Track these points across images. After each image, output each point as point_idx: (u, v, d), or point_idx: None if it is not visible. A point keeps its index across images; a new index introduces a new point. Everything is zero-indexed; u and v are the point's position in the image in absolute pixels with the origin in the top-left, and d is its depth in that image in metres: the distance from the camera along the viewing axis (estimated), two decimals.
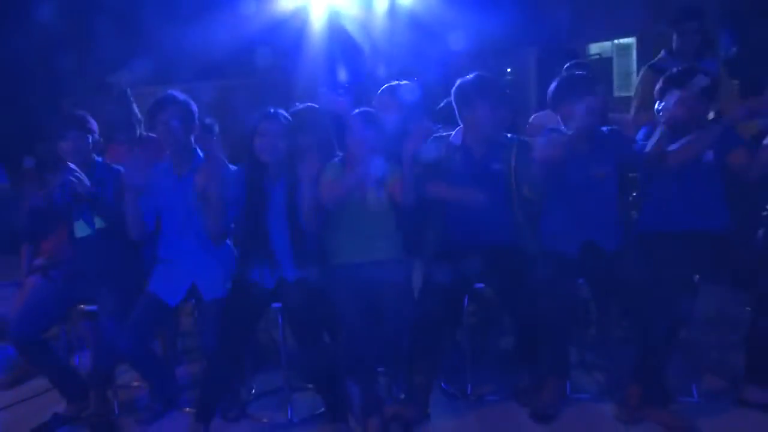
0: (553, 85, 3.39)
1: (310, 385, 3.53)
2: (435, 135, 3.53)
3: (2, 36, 7.62)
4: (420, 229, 3.47)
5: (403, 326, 3.18)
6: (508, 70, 12.20)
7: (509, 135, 3.49)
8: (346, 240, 3.37)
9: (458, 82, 3.42)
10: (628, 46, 12.88)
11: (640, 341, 3.10)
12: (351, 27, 7.33)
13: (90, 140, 3.48)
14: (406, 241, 3.43)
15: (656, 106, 3.28)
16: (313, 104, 3.74)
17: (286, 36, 7.19)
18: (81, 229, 3.42)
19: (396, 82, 3.92)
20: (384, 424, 3.08)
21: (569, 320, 3.28)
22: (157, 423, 3.42)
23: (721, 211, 3.31)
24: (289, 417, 3.36)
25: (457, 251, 3.32)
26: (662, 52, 3.96)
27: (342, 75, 7.20)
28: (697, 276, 3.20)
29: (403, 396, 3.33)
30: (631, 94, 4.56)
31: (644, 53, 13.13)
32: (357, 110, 3.41)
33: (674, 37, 3.88)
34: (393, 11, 7.36)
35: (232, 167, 3.39)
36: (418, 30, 7.79)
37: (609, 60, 12.54)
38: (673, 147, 3.13)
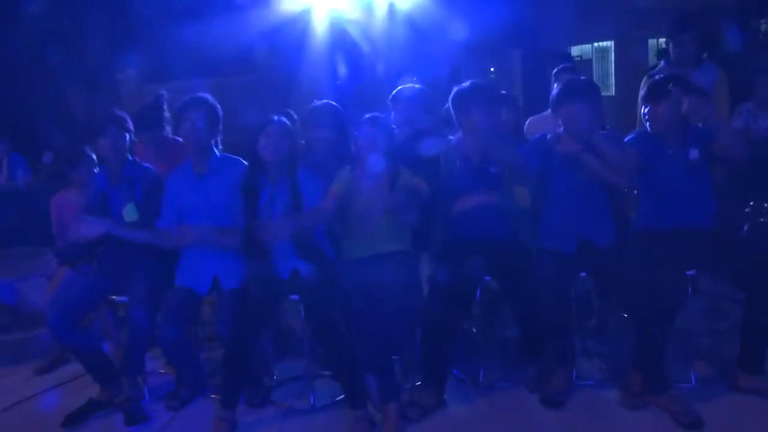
0: (555, 89, 3.48)
1: (330, 373, 3.62)
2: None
3: (7, 35, 7.59)
4: (426, 225, 3.55)
5: (414, 317, 3.27)
6: (492, 69, 12.34)
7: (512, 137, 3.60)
8: (355, 234, 3.45)
9: (455, 89, 3.51)
10: (606, 49, 13.15)
11: (638, 332, 3.21)
12: (352, 29, 7.39)
13: (127, 139, 3.54)
14: (414, 236, 3.52)
15: (642, 109, 3.40)
16: (330, 101, 3.83)
17: (288, 37, 7.23)
18: (130, 214, 3.48)
19: (410, 84, 4.02)
20: (402, 410, 3.17)
21: (569, 313, 3.38)
22: (186, 409, 3.49)
23: (710, 207, 3.41)
24: (312, 403, 3.44)
25: (461, 247, 3.42)
26: (661, 62, 4.06)
27: (342, 74, 7.28)
28: (694, 271, 3.32)
29: (418, 383, 3.42)
30: (611, 94, 4.71)
31: (621, 56, 13.42)
32: (367, 115, 3.50)
33: (671, 46, 3.97)
34: (392, 15, 7.43)
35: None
36: (414, 32, 7.87)
37: (589, 62, 12.76)
38: None
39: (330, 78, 7.45)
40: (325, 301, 3.24)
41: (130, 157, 3.63)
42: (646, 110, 3.36)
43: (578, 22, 11.60)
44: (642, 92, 3.41)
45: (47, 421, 3.41)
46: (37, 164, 6.40)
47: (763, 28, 12.93)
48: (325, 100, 3.83)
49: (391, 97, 4.09)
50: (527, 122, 4.71)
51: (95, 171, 3.89)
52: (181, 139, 4.15)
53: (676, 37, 3.90)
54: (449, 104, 3.55)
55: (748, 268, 3.23)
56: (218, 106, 3.49)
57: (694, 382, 3.37)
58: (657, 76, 3.42)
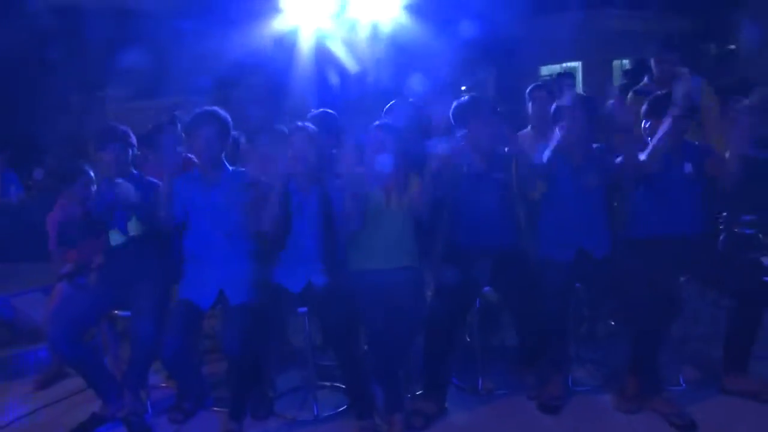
0: (553, 106, 3.53)
1: (330, 384, 3.62)
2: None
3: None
4: (429, 236, 3.56)
5: (418, 328, 3.27)
6: (463, 88, 12.50)
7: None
8: (365, 247, 3.44)
9: (455, 103, 3.56)
10: (574, 69, 13.38)
11: (635, 337, 3.25)
12: (337, 47, 7.43)
13: (130, 153, 3.49)
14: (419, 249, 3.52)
15: (643, 124, 3.46)
16: (327, 110, 3.83)
17: (276, 55, 7.24)
18: (115, 238, 3.44)
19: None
20: (407, 419, 3.16)
21: (567, 321, 3.42)
22: (189, 422, 3.43)
23: (700, 217, 3.49)
24: (316, 414, 3.40)
25: (465, 256, 3.43)
26: (645, 78, 4.12)
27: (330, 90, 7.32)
28: (683, 277, 3.39)
29: (419, 392, 3.41)
30: None
31: (588, 76, 13.68)
32: (377, 122, 3.51)
33: (654, 64, 4.03)
34: (375, 34, 7.49)
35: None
36: (395, 50, 7.95)
37: (546, 81, 12.97)
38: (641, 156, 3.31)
39: (316, 94, 7.47)
40: (339, 312, 3.22)
41: (135, 172, 3.57)
42: (648, 125, 3.42)
43: (548, 43, 11.81)
44: (644, 108, 3.47)
45: None
46: (28, 180, 6.30)
47: (712, 51, 13.37)
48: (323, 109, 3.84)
49: (384, 110, 4.09)
50: None
51: (93, 187, 3.81)
52: (191, 156, 4.13)
53: (661, 56, 3.96)
54: (450, 116, 3.57)
55: (730, 275, 3.30)
56: (228, 118, 3.45)
57: (683, 385, 3.43)
58: (657, 92, 3.49)
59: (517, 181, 3.49)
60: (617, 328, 3.88)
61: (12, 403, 3.73)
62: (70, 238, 3.67)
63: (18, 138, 6.78)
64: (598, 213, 3.49)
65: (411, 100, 4.14)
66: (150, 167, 3.82)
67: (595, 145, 3.53)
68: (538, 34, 11.27)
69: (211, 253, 3.42)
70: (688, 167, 3.44)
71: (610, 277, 3.35)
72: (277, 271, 3.37)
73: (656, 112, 3.39)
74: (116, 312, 3.51)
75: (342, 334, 3.22)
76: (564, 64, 13.25)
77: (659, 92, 3.59)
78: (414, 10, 7.90)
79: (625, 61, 12.63)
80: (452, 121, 3.56)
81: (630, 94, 4.08)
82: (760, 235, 3.89)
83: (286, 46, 7.11)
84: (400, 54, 7.84)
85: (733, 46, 13.04)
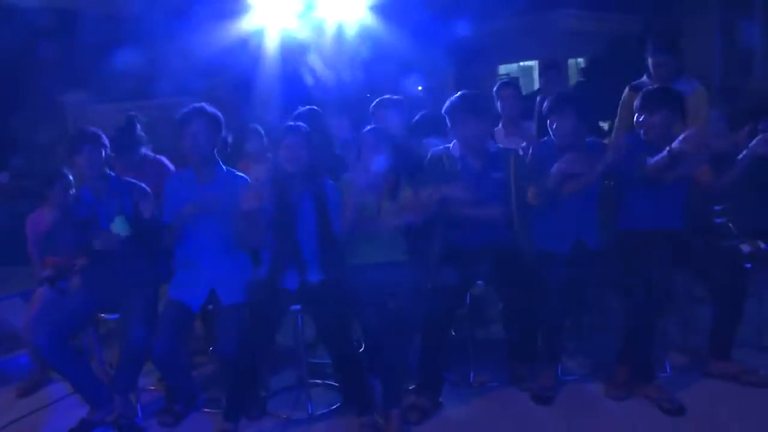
0: (546, 104, 3.53)
1: (322, 381, 3.57)
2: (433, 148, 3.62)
3: None
4: (425, 235, 3.53)
5: (414, 324, 3.24)
6: (419, 87, 12.54)
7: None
8: (359, 243, 3.39)
9: (447, 101, 3.53)
10: (530, 68, 13.52)
11: (627, 326, 3.28)
12: (302, 47, 7.35)
13: (103, 154, 3.36)
14: (411, 247, 3.49)
15: (636, 118, 3.49)
16: (312, 106, 3.77)
17: (241, 56, 7.10)
18: (119, 226, 3.25)
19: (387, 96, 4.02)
20: (404, 414, 3.13)
21: (564, 312, 3.43)
22: (180, 424, 3.33)
23: (684, 210, 3.53)
24: (310, 412, 3.34)
25: (462, 253, 3.41)
26: (644, 76, 4.10)
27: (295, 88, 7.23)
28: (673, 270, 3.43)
29: (413, 387, 3.37)
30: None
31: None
32: (369, 126, 3.48)
33: (651, 64, 4.01)
34: (340, 34, 7.43)
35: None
36: (361, 50, 7.92)
37: (516, 79, 13.09)
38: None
39: (282, 93, 7.38)
40: (335, 308, 3.17)
41: (111, 173, 3.45)
42: (641, 119, 3.44)
43: (505, 42, 11.91)
44: (636, 102, 3.49)
45: None
46: None
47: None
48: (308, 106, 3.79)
49: (372, 107, 4.06)
50: None
51: (72, 190, 3.68)
52: (161, 158, 4.02)
53: (658, 58, 3.96)
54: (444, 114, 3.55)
55: (713, 264, 3.37)
56: (219, 113, 3.35)
57: (669, 371, 3.48)
58: (648, 88, 3.52)
59: (515, 180, 3.47)
60: (601, 319, 3.93)
61: None
62: (57, 245, 3.52)
63: None
64: (593, 204, 3.50)
65: (398, 97, 4.10)
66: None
67: (588, 139, 3.55)
68: (496, 33, 11.36)
69: (202, 252, 3.33)
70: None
71: (605, 268, 3.37)
72: (280, 271, 3.29)
73: (648, 106, 3.42)
74: (102, 315, 3.39)
75: (337, 330, 3.17)
76: (521, 63, 13.39)
77: (651, 86, 3.63)
78: (379, 10, 7.88)
79: (580, 60, 12.83)
80: (447, 120, 3.55)
81: (626, 90, 4.10)
82: (730, 224, 3.99)
83: (251, 45, 6.99)
84: (364, 53, 7.82)
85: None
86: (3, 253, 4.23)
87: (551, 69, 5.48)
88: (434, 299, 3.31)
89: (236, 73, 7.64)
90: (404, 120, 4.01)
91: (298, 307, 3.27)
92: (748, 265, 3.48)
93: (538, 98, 4.98)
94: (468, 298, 3.44)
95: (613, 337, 3.45)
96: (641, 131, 3.43)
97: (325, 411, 3.37)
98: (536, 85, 13.69)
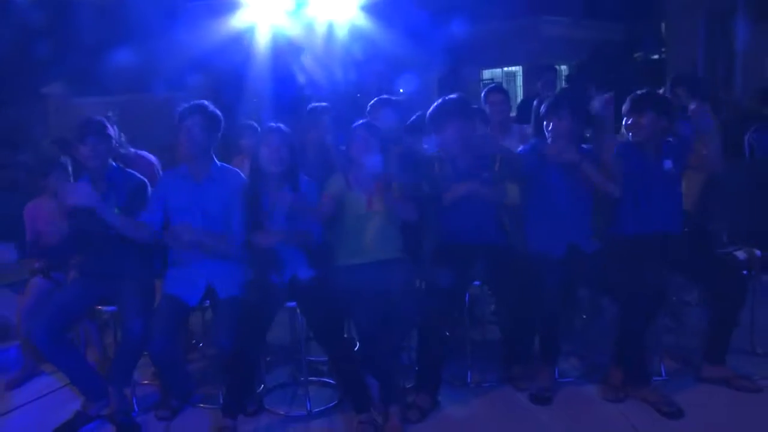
0: (543, 107, 3.52)
1: (318, 379, 3.53)
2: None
3: None
4: (417, 233, 3.51)
5: (410, 322, 3.21)
6: (401, 90, 12.58)
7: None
8: (351, 241, 3.37)
9: (432, 105, 3.51)
10: (514, 73, 13.63)
11: (621, 329, 3.27)
12: (293, 45, 7.31)
13: (107, 145, 3.28)
14: (404, 245, 3.47)
15: (624, 121, 3.50)
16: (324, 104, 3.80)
17: (232, 52, 7.04)
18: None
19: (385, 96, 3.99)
20: (403, 413, 3.10)
21: (559, 314, 3.43)
22: (177, 419, 3.27)
23: (680, 213, 3.55)
24: (309, 409, 3.30)
25: (456, 254, 3.39)
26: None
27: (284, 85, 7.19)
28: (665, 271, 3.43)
29: (410, 385, 3.34)
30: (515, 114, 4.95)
31: (528, 80, 13.95)
32: (360, 121, 3.43)
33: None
34: (330, 33, 7.41)
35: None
36: (350, 49, 7.91)
37: (500, 84, 13.18)
38: None
39: (271, 90, 7.33)
40: (326, 305, 3.13)
41: (114, 164, 3.38)
42: (629, 121, 3.45)
43: (490, 47, 11.98)
44: (624, 106, 3.50)
45: None
46: None
47: (638, 58, 13.94)
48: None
49: (369, 106, 4.03)
50: None
51: (70, 179, 3.59)
52: (143, 153, 3.95)
53: (673, 90, 4.28)
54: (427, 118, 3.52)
55: (710, 270, 3.39)
56: (218, 112, 3.29)
57: (664, 375, 3.48)
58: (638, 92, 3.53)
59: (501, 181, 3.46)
60: (594, 321, 3.93)
61: None
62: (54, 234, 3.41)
63: None
64: (587, 208, 3.50)
65: (396, 98, 4.08)
66: None
67: (584, 146, 3.55)
68: (481, 38, 11.42)
69: (197, 248, 3.26)
70: (668, 164, 3.47)
71: (599, 271, 3.36)
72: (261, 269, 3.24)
73: (636, 110, 3.43)
74: (99, 307, 3.31)
75: (329, 328, 3.13)
76: (505, 68, 13.49)
77: (639, 90, 3.65)
78: (370, 10, 7.87)
79: (563, 67, 12.94)
80: (432, 125, 3.52)
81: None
82: (723, 232, 4.03)
83: (242, 42, 6.93)
84: (354, 54, 7.81)
85: (656, 56, 13.64)
86: None
87: (549, 72, 5.53)
88: (431, 300, 3.29)
89: (226, 69, 7.58)
90: (400, 120, 3.99)
91: (293, 304, 3.23)
92: (745, 272, 3.51)
93: (535, 101, 4.99)
94: (467, 298, 3.42)
95: (607, 339, 3.43)
96: (629, 134, 3.44)
97: (323, 408, 3.32)
98: (520, 91, 13.86)
